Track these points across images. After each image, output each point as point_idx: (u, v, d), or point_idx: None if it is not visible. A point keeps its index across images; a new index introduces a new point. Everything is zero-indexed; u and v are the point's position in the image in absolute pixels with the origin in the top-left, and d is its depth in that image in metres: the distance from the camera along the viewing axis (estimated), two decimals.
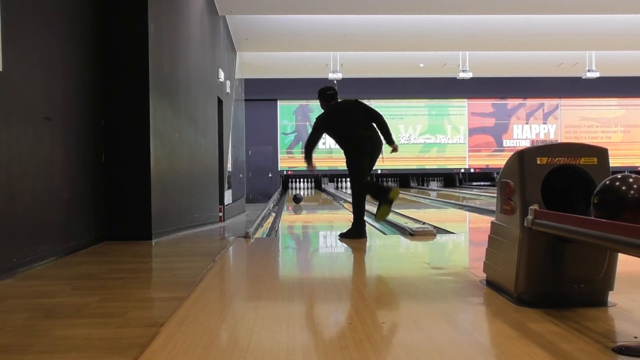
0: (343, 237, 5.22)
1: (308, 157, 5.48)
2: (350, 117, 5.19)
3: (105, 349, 2.09)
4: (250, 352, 2.04)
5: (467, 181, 21.00)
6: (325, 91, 5.42)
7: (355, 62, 15.72)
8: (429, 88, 19.47)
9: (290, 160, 20.27)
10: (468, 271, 3.52)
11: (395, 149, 5.27)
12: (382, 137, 5.15)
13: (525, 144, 19.98)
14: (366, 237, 5.18)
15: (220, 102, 10.15)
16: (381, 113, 5.32)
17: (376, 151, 5.15)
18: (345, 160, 5.23)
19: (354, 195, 5.25)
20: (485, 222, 6.00)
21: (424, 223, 6.45)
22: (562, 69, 17.32)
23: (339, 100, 5.47)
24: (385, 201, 4.79)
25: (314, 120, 5.42)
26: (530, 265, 2.60)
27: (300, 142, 20.22)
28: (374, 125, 5.15)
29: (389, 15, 11.79)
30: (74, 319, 2.52)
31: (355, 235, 5.13)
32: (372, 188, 5.11)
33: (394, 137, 5.32)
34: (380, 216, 4.94)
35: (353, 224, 5.21)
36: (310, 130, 5.46)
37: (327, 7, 10.87)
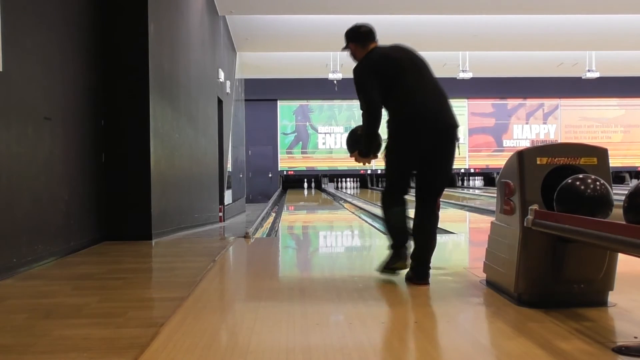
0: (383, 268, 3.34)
1: (371, 141, 3.24)
2: (417, 70, 3.20)
3: (105, 349, 2.09)
4: (250, 352, 2.04)
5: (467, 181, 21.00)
6: (358, 29, 3.41)
7: (355, 62, 15.70)
8: None
9: (290, 160, 20.26)
10: (468, 271, 3.52)
11: None
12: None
13: (525, 144, 19.96)
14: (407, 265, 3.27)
15: (220, 102, 10.15)
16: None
17: (445, 148, 3.16)
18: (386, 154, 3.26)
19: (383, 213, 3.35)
20: (485, 222, 5.99)
21: None
22: (562, 69, 17.31)
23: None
24: (388, 266, 3.25)
25: (353, 74, 3.29)
26: (530, 265, 2.59)
27: (300, 142, 20.24)
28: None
29: (389, 15, 11.78)
30: (74, 319, 2.52)
31: (396, 261, 3.26)
32: (394, 233, 3.24)
33: None
34: (381, 270, 3.32)
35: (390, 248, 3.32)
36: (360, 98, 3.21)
37: (327, 7, 10.87)
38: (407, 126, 3.11)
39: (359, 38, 3.39)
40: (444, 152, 3.16)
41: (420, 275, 3.19)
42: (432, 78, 3.23)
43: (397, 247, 3.22)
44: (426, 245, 3.21)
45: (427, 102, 3.12)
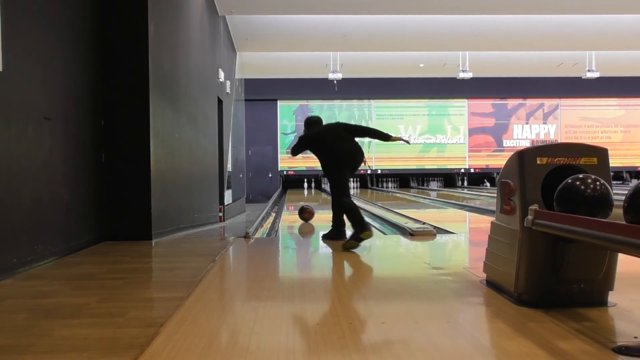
0: (325, 238, 5.42)
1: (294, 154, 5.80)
2: (331, 133, 5.42)
3: (105, 349, 2.09)
4: (250, 352, 2.04)
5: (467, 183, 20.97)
6: (310, 119, 5.83)
7: (355, 62, 15.71)
8: (429, 88, 19.45)
9: (290, 160, 20.25)
10: (468, 271, 3.53)
11: (400, 139, 5.66)
12: (362, 149, 5.36)
13: (525, 144, 19.95)
14: (346, 237, 5.13)
15: (220, 102, 10.15)
16: (364, 125, 5.86)
17: (357, 163, 5.33)
18: (326, 172, 5.36)
19: (334, 204, 5.33)
20: (485, 222, 5.99)
21: (424, 223, 6.45)
22: (562, 69, 17.31)
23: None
24: (356, 238, 4.72)
25: (299, 139, 5.66)
26: (530, 265, 2.60)
27: None
28: (355, 139, 5.38)
29: (389, 15, 11.79)
30: (74, 319, 2.52)
31: (337, 236, 5.27)
32: (353, 216, 4.95)
33: (392, 133, 5.66)
34: (346, 247, 4.68)
35: (334, 225, 5.38)
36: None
37: (327, 7, 10.87)
38: (333, 159, 5.23)
39: (309, 125, 5.66)
40: (354, 168, 5.31)
41: (339, 236, 5.25)
42: (344, 135, 5.29)
43: (359, 225, 4.72)
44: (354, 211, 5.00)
45: (339, 147, 5.21)
